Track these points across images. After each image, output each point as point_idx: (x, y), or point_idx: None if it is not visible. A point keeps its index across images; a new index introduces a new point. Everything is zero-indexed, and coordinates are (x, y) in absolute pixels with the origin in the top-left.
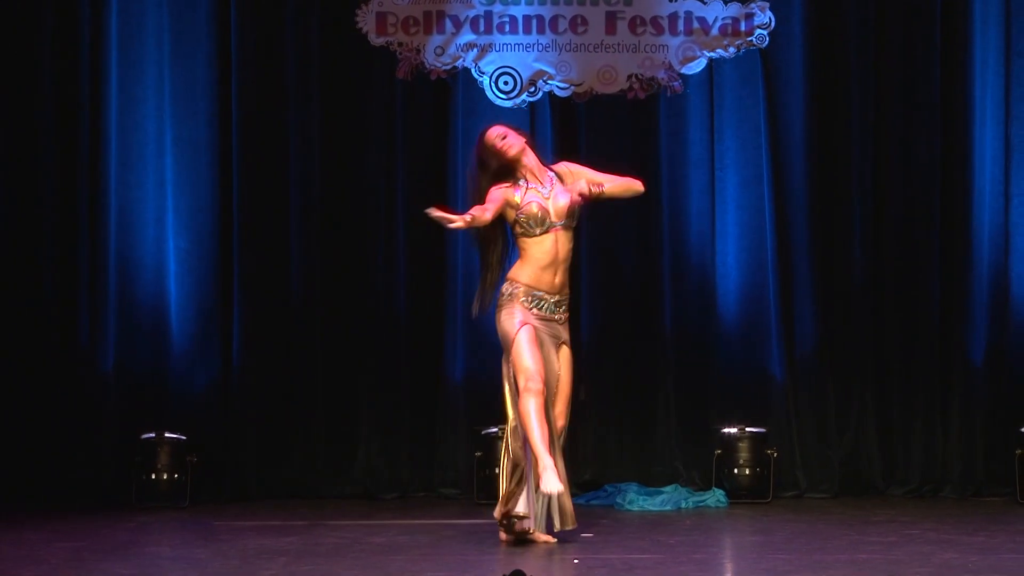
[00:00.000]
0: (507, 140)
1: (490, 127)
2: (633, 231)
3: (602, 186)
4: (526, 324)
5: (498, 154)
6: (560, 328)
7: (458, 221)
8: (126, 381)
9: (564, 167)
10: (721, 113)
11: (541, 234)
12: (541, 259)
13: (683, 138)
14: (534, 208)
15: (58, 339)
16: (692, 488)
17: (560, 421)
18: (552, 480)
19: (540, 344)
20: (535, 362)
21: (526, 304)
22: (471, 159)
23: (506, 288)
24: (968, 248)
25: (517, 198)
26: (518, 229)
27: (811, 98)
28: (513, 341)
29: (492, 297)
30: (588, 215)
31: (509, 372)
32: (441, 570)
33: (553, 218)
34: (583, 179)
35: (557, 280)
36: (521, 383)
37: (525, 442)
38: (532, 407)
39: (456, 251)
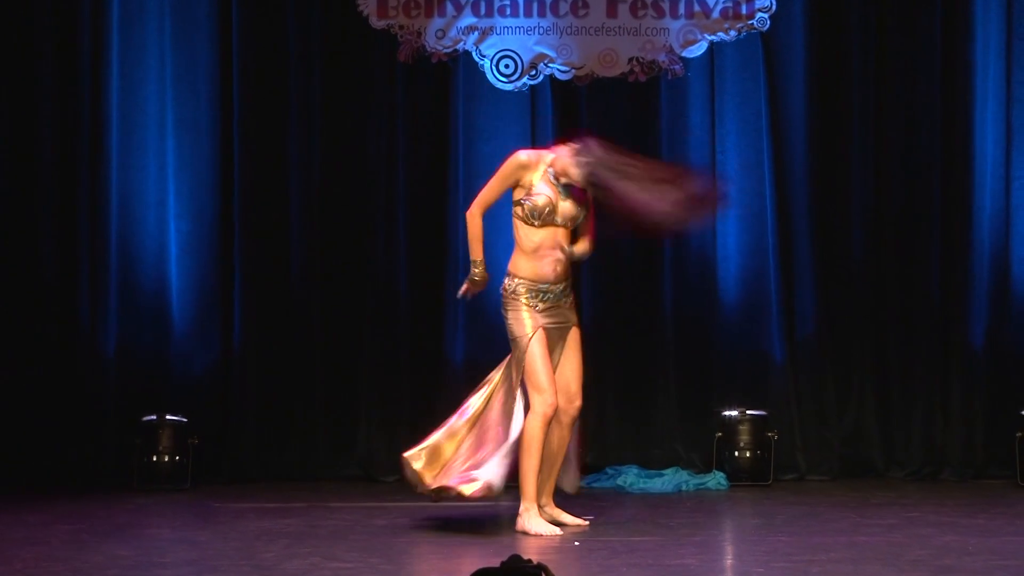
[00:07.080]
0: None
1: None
2: None
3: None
4: (537, 329)
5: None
6: (568, 312)
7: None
8: (127, 363)
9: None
10: (722, 96)
11: (539, 227)
12: (537, 249)
13: (684, 122)
14: (540, 201)
15: (59, 322)
16: (693, 471)
17: (576, 402)
18: (536, 523)
19: (551, 349)
20: (549, 380)
21: (530, 303)
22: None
23: (508, 284)
24: (969, 231)
25: (532, 180)
26: (518, 211)
27: (812, 82)
28: (526, 352)
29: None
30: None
31: (520, 368)
32: (442, 552)
33: (558, 219)
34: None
35: (559, 269)
36: (537, 405)
37: (514, 448)
38: (538, 433)
39: (457, 233)
